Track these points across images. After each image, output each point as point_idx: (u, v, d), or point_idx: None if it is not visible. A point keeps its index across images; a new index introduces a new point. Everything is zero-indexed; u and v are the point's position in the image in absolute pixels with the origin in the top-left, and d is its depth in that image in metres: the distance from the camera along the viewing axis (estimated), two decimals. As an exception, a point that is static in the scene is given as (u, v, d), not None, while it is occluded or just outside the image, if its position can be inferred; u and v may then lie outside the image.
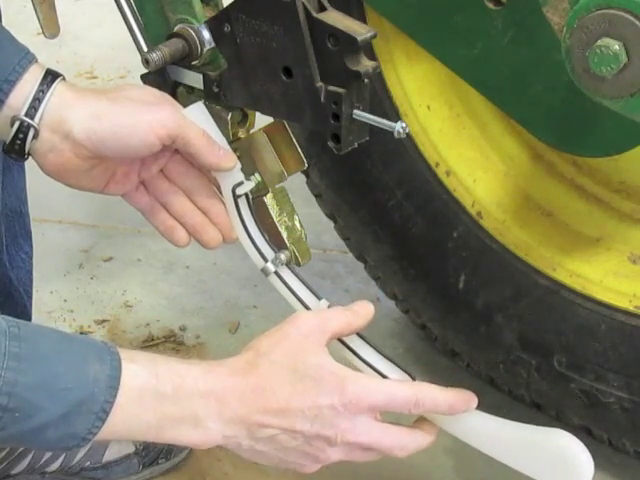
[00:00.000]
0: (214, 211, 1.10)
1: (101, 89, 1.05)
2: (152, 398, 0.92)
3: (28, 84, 0.99)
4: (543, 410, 1.46)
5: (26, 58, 1.00)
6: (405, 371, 1.07)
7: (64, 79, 1.02)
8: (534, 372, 1.42)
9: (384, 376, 1.05)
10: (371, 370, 1.05)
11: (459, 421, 1.08)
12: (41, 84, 0.99)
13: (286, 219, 1.11)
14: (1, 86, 0.98)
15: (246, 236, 1.08)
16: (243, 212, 1.08)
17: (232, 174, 1.07)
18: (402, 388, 1.01)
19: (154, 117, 1.01)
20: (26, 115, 0.99)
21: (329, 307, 1.08)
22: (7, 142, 1.00)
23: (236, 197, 1.07)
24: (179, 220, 1.10)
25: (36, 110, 0.99)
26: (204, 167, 1.07)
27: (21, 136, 0.99)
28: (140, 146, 1.01)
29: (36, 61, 1.01)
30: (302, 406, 0.97)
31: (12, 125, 0.99)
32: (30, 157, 1.03)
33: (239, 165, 1.07)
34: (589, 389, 1.36)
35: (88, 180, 1.05)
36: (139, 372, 0.92)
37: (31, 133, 0.99)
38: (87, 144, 1.00)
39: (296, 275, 1.10)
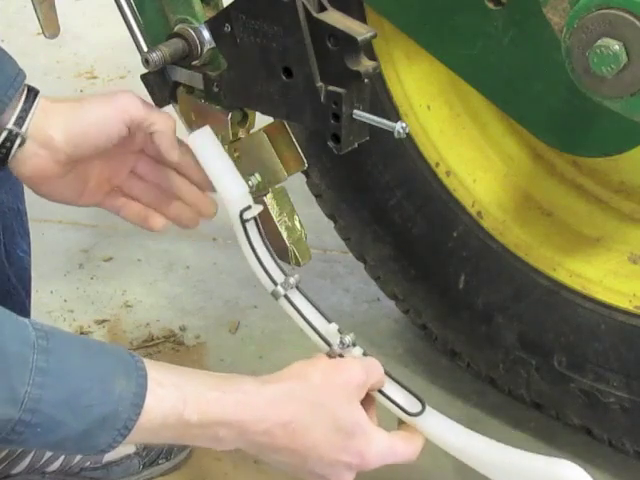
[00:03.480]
0: (186, 193, 1.12)
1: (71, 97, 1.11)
2: (175, 422, 0.92)
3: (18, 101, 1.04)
4: (543, 410, 1.46)
5: (20, 75, 1.04)
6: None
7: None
8: (534, 372, 1.41)
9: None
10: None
11: (464, 447, 1.08)
12: (26, 99, 1.03)
13: (286, 219, 1.11)
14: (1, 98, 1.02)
15: (255, 260, 1.08)
16: (252, 236, 1.07)
17: (240, 198, 1.06)
18: (405, 448, 1.06)
19: (116, 103, 1.05)
20: (15, 125, 1.02)
21: (364, 354, 1.09)
22: None
23: (244, 222, 1.06)
24: (155, 209, 1.14)
25: (24, 120, 1.03)
26: (169, 163, 1.10)
27: (8, 144, 1.03)
28: (111, 132, 1.05)
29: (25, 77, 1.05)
30: (323, 454, 0.99)
31: None
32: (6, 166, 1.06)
33: (246, 189, 1.07)
34: (589, 389, 1.36)
35: (63, 187, 1.09)
36: (165, 398, 0.92)
37: (18, 141, 1.02)
38: (66, 149, 1.04)
39: (306, 298, 1.09)
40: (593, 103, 0.99)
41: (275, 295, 1.09)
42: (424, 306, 1.54)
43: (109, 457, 1.41)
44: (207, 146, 1.06)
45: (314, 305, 1.09)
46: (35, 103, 1.04)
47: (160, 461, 1.44)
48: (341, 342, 1.07)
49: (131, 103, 1.06)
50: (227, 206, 1.07)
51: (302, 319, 1.08)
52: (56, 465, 1.39)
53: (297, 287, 1.09)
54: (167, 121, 1.07)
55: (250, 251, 1.08)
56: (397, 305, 1.61)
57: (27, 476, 1.39)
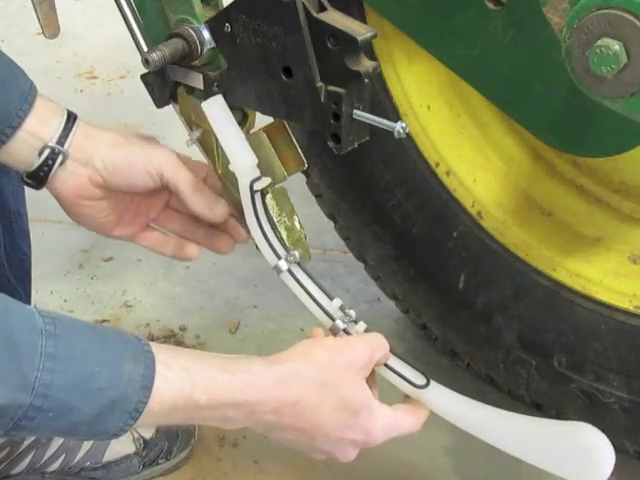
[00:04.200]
0: (220, 222, 1.15)
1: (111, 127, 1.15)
2: (185, 404, 0.93)
3: (46, 120, 1.08)
4: (543, 410, 1.46)
5: (32, 89, 1.07)
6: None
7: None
8: (534, 372, 1.42)
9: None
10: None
11: (472, 417, 1.09)
12: (67, 121, 1.08)
13: (286, 219, 1.11)
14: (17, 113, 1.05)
15: (260, 232, 1.08)
16: (258, 208, 1.07)
17: (251, 168, 1.07)
18: (408, 421, 1.08)
19: (156, 154, 1.10)
20: (57, 143, 1.07)
21: (366, 330, 1.10)
22: (32, 170, 1.08)
23: (253, 192, 1.06)
24: (189, 238, 1.17)
25: (65, 139, 1.08)
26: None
27: (50, 162, 1.07)
28: (146, 177, 1.10)
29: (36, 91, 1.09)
30: (330, 432, 1.01)
31: (40, 154, 1.07)
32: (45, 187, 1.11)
33: (256, 160, 1.07)
34: (589, 389, 1.36)
35: (99, 212, 1.12)
36: (174, 380, 0.93)
37: (59, 159, 1.07)
38: (103, 172, 1.09)
39: (308, 274, 1.09)
40: (593, 103, 0.99)
41: (278, 269, 1.09)
42: (424, 306, 1.54)
43: (109, 457, 1.41)
44: (220, 114, 1.06)
45: (316, 282, 1.10)
46: (75, 125, 1.09)
47: (160, 461, 1.44)
48: (346, 315, 1.08)
49: (166, 161, 1.10)
50: (238, 175, 1.07)
51: (305, 294, 1.08)
52: (56, 465, 1.39)
53: (299, 264, 1.09)
54: (190, 185, 1.10)
55: (255, 223, 1.08)
56: (397, 305, 1.61)
57: (27, 476, 1.39)
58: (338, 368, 1.01)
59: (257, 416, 0.98)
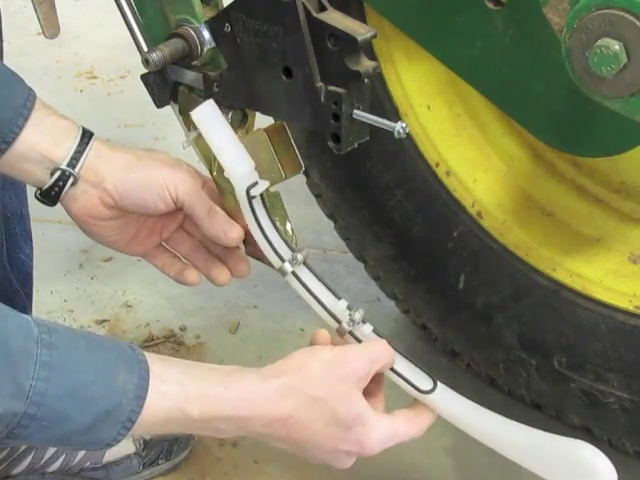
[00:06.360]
0: (224, 253, 1.15)
1: (127, 147, 1.13)
2: (177, 417, 0.94)
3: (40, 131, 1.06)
4: (543, 410, 1.46)
5: (29, 100, 1.06)
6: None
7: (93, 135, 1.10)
8: (534, 372, 1.42)
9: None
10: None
11: (479, 423, 1.09)
12: (80, 141, 1.07)
13: (278, 224, 1.11)
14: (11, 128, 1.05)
15: (262, 236, 1.07)
16: (258, 212, 1.06)
17: (246, 175, 1.05)
18: (407, 428, 1.08)
19: (170, 177, 1.08)
20: (67, 166, 1.07)
21: (373, 331, 1.09)
22: (43, 189, 1.08)
23: (250, 198, 1.05)
24: (191, 263, 1.17)
25: (77, 162, 1.07)
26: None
27: (60, 184, 1.07)
28: (158, 200, 1.09)
29: (35, 97, 1.07)
30: (323, 444, 1.02)
31: (52, 174, 1.07)
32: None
33: (253, 165, 1.06)
34: (589, 389, 1.36)
35: (110, 231, 1.12)
36: (168, 394, 0.93)
37: (70, 181, 1.07)
38: (114, 194, 1.08)
39: (314, 274, 1.08)
40: (593, 103, 0.99)
41: (282, 272, 1.08)
42: (424, 306, 1.54)
43: (109, 457, 1.41)
44: (212, 121, 1.05)
45: (322, 282, 1.08)
46: (89, 145, 1.08)
47: (160, 461, 1.44)
48: (351, 319, 1.07)
49: (183, 185, 1.09)
50: (233, 183, 1.06)
51: (310, 296, 1.08)
52: (56, 465, 1.39)
53: (305, 263, 1.08)
54: (205, 210, 1.09)
55: (257, 228, 1.07)
56: (397, 305, 1.61)
57: (27, 476, 1.39)
58: (332, 382, 1.01)
59: (249, 429, 0.99)
